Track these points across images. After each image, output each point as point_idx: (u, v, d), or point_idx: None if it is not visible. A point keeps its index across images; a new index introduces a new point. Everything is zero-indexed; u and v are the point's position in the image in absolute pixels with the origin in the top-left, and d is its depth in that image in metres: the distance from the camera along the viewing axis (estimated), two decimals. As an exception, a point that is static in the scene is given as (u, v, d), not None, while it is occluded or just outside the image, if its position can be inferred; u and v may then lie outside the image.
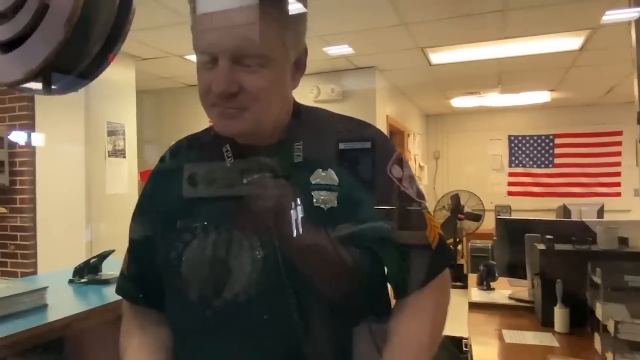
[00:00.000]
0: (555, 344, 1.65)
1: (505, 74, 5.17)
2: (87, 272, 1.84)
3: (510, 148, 7.44)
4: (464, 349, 2.11)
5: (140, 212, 0.88)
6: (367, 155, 0.80)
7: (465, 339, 2.03)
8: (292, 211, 0.73)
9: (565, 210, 3.26)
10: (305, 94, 4.67)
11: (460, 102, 6.64)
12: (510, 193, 7.36)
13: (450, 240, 6.29)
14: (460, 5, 3.17)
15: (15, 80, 0.80)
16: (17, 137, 3.70)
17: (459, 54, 4.32)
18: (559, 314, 1.73)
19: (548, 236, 1.85)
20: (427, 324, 0.80)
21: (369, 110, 4.76)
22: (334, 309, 0.74)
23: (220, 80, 0.71)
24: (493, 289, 2.31)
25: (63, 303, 1.61)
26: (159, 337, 0.84)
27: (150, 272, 0.83)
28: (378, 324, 0.78)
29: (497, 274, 2.31)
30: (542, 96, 6.30)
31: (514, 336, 1.72)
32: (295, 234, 0.73)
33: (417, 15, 3.37)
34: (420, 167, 6.99)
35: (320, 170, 0.77)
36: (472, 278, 2.46)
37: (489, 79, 5.37)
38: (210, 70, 0.73)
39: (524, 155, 7.39)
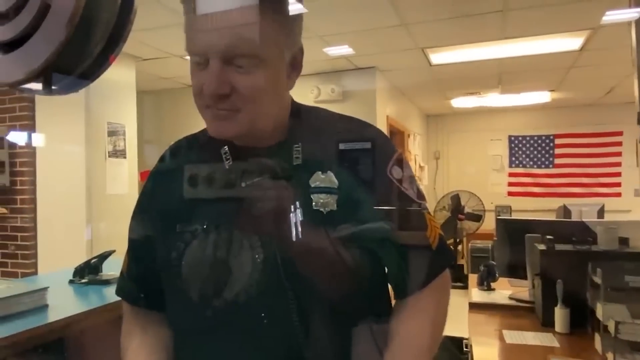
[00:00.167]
0: (556, 344, 1.65)
1: (505, 74, 5.17)
2: (88, 273, 1.84)
3: (511, 148, 7.44)
4: (465, 349, 2.11)
5: (140, 212, 0.88)
6: (367, 156, 0.80)
7: (466, 339, 2.03)
8: (291, 214, 0.72)
9: (565, 211, 3.26)
10: (306, 94, 4.67)
11: (461, 102, 6.64)
12: (510, 193, 7.36)
13: (451, 241, 6.29)
14: (460, 5, 3.17)
15: (17, 80, 0.81)
16: (18, 137, 3.70)
17: (459, 54, 4.32)
18: (560, 314, 1.73)
19: (548, 236, 1.85)
20: (427, 324, 0.80)
21: (369, 110, 4.76)
22: (334, 310, 0.74)
23: (212, 81, 0.70)
24: (493, 290, 2.31)
25: (63, 303, 1.60)
26: (160, 337, 0.84)
27: (151, 272, 0.83)
28: (379, 325, 0.78)
29: (497, 275, 2.31)
30: (542, 96, 6.30)
31: (514, 336, 1.72)
32: (294, 237, 0.72)
33: (417, 15, 3.37)
34: (421, 167, 6.99)
35: (320, 172, 0.76)
36: (473, 278, 2.46)
37: (489, 79, 5.37)
38: (202, 71, 0.72)
39: (524, 156, 7.39)
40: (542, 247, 1.83)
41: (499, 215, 5.50)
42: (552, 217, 3.87)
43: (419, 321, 0.79)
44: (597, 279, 1.52)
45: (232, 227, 0.75)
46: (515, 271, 2.18)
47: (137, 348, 0.84)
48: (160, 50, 3.94)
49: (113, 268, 1.80)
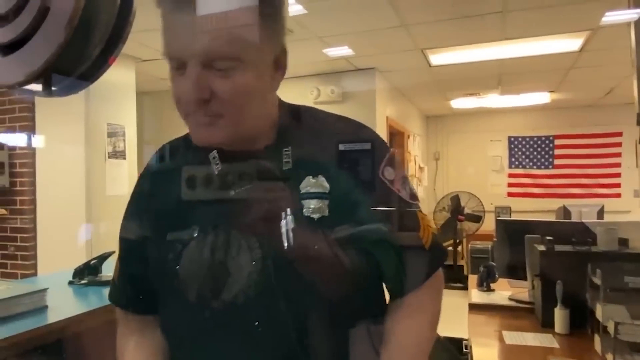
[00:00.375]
0: (556, 345, 1.65)
1: (505, 75, 5.17)
2: (87, 274, 1.84)
3: (510, 149, 7.44)
4: (464, 350, 2.11)
5: (132, 216, 0.86)
6: (359, 157, 0.78)
7: (466, 340, 2.03)
8: (282, 221, 0.71)
9: (565, 211, 3.26)
10: (305, 95, 4.67)
11: (460, 103, 6.65)
12: (510, 194, 7.36)
13: (451, 242, 6.29)
14: (460, 6, 3.18)
15: (16, 82, 0.81)
16: (13, 139, 3.70)
17: (458, 55, 4.33)
18: (559, 315, 1.73)
19: (548, 237, 1.85)
20: (423, 323, 0.80)
21: (369, 111, 4.76)
22: (332, 311, 0.74)
23: (190, 86, 0.68)
24: (493, 290, 2.31)
25: (63, 304, 1.60)
26: (156, 341, 0.83)
27: (145, 276, 0.82)
28: (376, 325, 0.79)
29: (497, 275, 2.31)
30: (542, 97, 6.30)
31: (514, 337, 1.72)
32: (286, 243, 0.71)
33: (417, 16, 3.37)
34: (420, 168, 6.99)
35: (310, 177, 0.74)
36: (472, 279, 2.45)
37: (489, 80, 5.37)
38: (181, 76, 0.69)
39: (524, 157, 7.39)
40: (541, 247, 1.83)
41: (499, 216, 5.50)
42: (551, 217, 3.88)
43: (414, 320, 0.79)
44: (597, 280, 1.52)
45: (228, 229, 0.75)
46: (515, 272, 2.18)
47: (133, 352, 0.84)
48: (159, 52, 3.88)
49: (112, 269, 1.80)
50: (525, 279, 2.09)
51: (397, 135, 5.81)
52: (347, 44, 3.95)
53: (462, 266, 6.20)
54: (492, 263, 2.34)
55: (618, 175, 6.93)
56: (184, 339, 0.79)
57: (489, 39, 3.87)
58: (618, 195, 6.85)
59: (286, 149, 0.76)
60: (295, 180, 0.74)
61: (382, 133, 5.02)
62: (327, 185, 0.74)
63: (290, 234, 0.71)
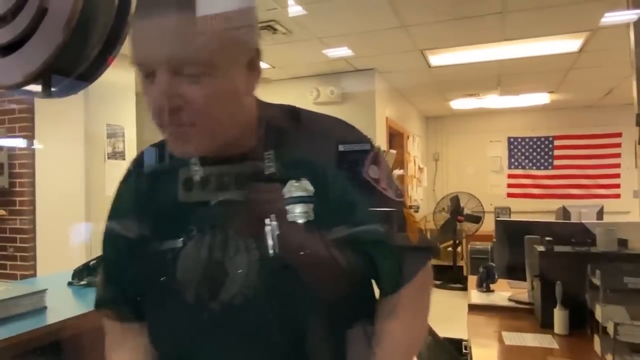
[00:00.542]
0: (555, 345, 1.65)
1: (504, 76, 5.18)
2: (87, 275, 1.84)
3: (510, 150, 7.45)
4: (464, 350, 2.11)
5: (117, 222, 0.86)
6: (343, 157, 0.77)
7: (465, 341, 2.03)
8: (266, 227, 0.70)
9: (564, 212, 3.26)
10: (305, 96, 4.68)
11: (460, 104, 6.65)
12: (509, 195, 7.37)
13: (450, 242, 6.29)
14: (459, 7, 3.18)
15: (15, 82, 0.81)
16: (17, 139, 3.70)
17: (458, 56, 4.33)
18: (559, 316, 1.73)
19: (547, 238, 1.85)
20: (413, 319, 0.81)
21: (369, 112, 4.77)
22: (328, 311, 0.74)
23: (160, 95, 0.65)
24: (493, 291, 2.31)
25: (62, 305, 1.60)
26: (145, 347, 0.83)
27: (134, 282, 0.82)
28: (368, 324, 0.79)
29: (496, 276, 2.31)
30: (541, 98, 6.31)
31: (513, 338, 1.72)
32: (271, 248, 0.70)
33: (416, 17, 3.37)
34: (420, 169, 6.99)
35: (294, 181, 0.72)
36: (472, 280, 2.46)
37: (489, 80, 5.38)
38: (151, 84, 0.66)
39: (523, 157, 7.40)
40: (541, 248, 1.83)
41: (498, 217, 5.50)
42: (551, 218, 3.87)
43: (405, 317, 0.79)
44: (596, 281, 1.52)
45: (222, 230, 0.75)
46: (515, 273, 2.18)
47: (120, 353, 0.84)
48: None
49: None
50: (524, 279, 2.08)
51: (396, 136, 5.81)
52: (346, 44, 3.95)
53: (462, 267, 6.20)
54: (492, 264, 2.35)
55: (617, 176, 6.93)
56: (181, 340, 0.78)
57: (489, 40, 3.87)
58: (617, 196, 6.86)
59: (268, 153, 0.74)
60: (279, 183, 0.73)
61: (382, 134, 5.02)
62: (311, 188, 0.72)
63: (276, 240, 0.70)
